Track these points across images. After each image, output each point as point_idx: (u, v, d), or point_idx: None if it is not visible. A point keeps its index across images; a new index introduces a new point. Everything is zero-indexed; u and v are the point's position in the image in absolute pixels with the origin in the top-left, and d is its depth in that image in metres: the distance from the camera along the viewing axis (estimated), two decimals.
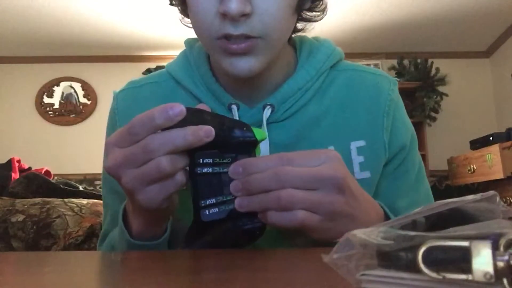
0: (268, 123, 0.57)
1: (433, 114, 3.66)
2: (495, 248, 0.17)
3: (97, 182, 3.65)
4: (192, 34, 0.57)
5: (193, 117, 0.40)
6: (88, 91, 4.04)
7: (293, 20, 0.55)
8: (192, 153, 0.41)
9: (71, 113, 4.01)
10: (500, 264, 0.17)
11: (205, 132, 0.39)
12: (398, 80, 3.37)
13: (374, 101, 0.61)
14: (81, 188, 1.77)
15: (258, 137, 0.44)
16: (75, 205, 1.47)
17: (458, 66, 3.94)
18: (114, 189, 0.61)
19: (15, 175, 1.82)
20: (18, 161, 1.94)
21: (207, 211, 0.42)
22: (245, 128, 0.43)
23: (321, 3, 0.58)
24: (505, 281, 0.17)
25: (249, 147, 0.44)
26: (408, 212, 0.23)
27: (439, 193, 3.52)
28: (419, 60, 3.73)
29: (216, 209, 0.42)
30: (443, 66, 3.75)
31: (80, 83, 4.05)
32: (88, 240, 1.37)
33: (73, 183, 1.82)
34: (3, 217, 1.38)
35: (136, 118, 0.39)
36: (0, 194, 1.62)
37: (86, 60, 4.01)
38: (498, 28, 3.59)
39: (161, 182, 0.40)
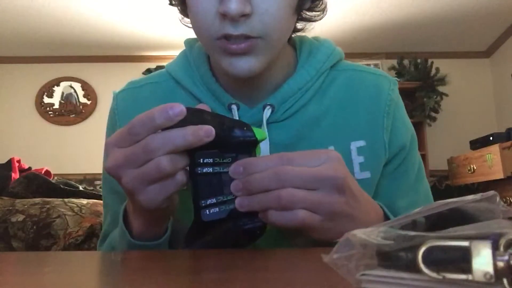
0: (268, 123, 0.57)
1: (433, 114, 3.66)
2: (495, 248, 0.17)
3: (97, 182, 3.65)
4: (192, 34, 0.57)
5: (193, 117, 0.40)
6: (88, 91, 4.04)
7: (293, 20, 0.54)
8: (192, 153, 0.41)
9: (71, 113, 4.01)
10: (500, 264, 0.17)
11: (205, 132, 0.39)
12: (398, 80, 3.37)
13: (374, 101, 0.61)
14: (81, 188, 1.77)
15: (258, 137, 0.44)
16: (75, 205, 1.47)
17: (458, 66, 3.94)
18: (114, 189, 0.61)
19: (15, 175, 1.82)
20: (18, 161, 1.94)
21: (207, 211, 0.42)
22: (245, 128, 0.43)
23: (321, 2, 0.58)
24: (505, 281, 0.17)
25: (249, 147, 0.44)
26: (408, 212, 0.23)
27: (439, 193, 3.52)
28: (419, 60, 3.73)
29: (217, 209, 0.42)
30: (443, 66, 3.75)
31: (80, 83, 4.05)
32: (88, 240, 1.37)
33: (73, 183, 1.82)
34: (3, 217, 1.38)
35: (136, 118, 0.39)
36: (0, 194, 1.62)
37: (86, 60, 4.01)
38: (498, 28, 3.59)
39: (161, 182, 0.39)
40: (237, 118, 0.57)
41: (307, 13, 0.58)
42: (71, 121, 4.00)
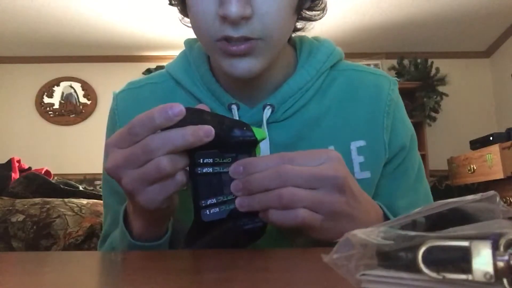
0: (268, 123, 0.57)
1: (433, 114, 3.66)
2: (495, 248, 0.17)
3: (97, 182, 3.65)
4: (192, 34, 0.57)
5: (193, 117, 0.40)
6: (88, 91, 4.04)
7: (293, 20, 0.54)
8: (192, 153, 0.41)
9: (71, 113, 4.01)
10: (500, 264, 0.17)
11: (205, 132, 0.39)
12: (398, 80, 3.37)
13: (374, 101, 0.61)
14: (81, 188, 1.77)
15: (258, 137, 0.44)
16: (75, 205, 1.47)
17: (458, 66, 3.94)
18: (115, 189, 0.61)
19: (15, 175, 1.82)
20: (18, 161, 1.94)
21: (207, 211, 0.42)
22: (245, 128, 0.43)
23: (320, 2, 0.58)
24: (505, 281, 0.17)
25: (249, 146, 0.44)
26: (408, 212, 0.23)
27: (439, 193, 3.53)
28: (419, 60, 3.73)
29: (217, 209, 0.42)
30: (443, 66, 3.75)
31: (80, 83, 4.05)
32: (88, 240, 1.37)
33: (73, 183, 1.82)
34: (3, 217, 1.38)
35: (136, 118, 0.39)
36: (0, 194, 1.62)
37: (86, 60, 4.01)
38: (498, 28, 3.59)
39: (161, 182, 0.39)
40: (237, 118, 0.57)
41: (307, 12, 0.58)
42: (71, 121, 4.00)
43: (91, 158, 3.75)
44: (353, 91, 0.61)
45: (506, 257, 0.17)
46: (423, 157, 3.37)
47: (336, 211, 0.41)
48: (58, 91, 4.04)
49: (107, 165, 0.40)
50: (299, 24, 0.59)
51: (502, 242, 0.17)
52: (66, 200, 1.50)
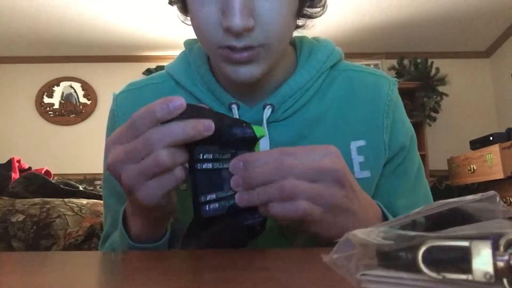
0: (268, 122, 0.57)
1: (433, 114, 3.66)
2: (495, 248, 0.17)
3: (97, 182, 3.65)
4: (192, 34, 0.57)
5: (193, 113, 0.40)
6: (88, 91, 4.04)
7: (294, 23, 0.55)
8: (192, 149, 0.41)
9: (71, 113, 4.01)
10: (500, 264, 0.17)
11: (205, 126, 0.39)
12: (398, 80, 3.37)
13: (374, 101, 0.61)
14: (81, 188, 1.77)
15: (258, 134, 0.44)
16: (75, 205, 1.47)
17: (458, 66, 3.95)
18: (115, 190, 0.61)
19: (15, 175, 1.82)
20: (18, 161, 1.94)
21: (207, 206, 0.41)
22: (244, 125, 0.43)
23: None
24: (505, 281, 0.17)
25: (249, 144, 0.44)
26: (407, 212, 0.23)
27: (439, 193, 3.53)
28: (419, 60, 3.73)
29: (216, 205, 0.42)
30: (443, 66, 3.75)
31: (80, 83, 4.05)
32: (88, 240, 1.37)
33: (73, 183, 1.82)
34: (3, 217, 1.38)
35: (137, 112, 0.39)
36: (0, 194, 1.62)
37: (86, 60, 4.01)
38: (498, 28, 3.59)
39: (160, 177, 0.39)
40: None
41: (308, 10, 0.58)
42: (71, 121, 4.00)
43: (91, 158, 3.75)
44: (353, 91, 0.61)
45: (506, 257, 0.17)
46: (423, 157, 3.37)
47: (336, 204, 0.41)
48: (58, 91, 4.04)
49: (108, 161, 0.40)
50: (300, 22, 0.59)
51: (502, 242, 0.17)
52: (66, 200, 1.50)
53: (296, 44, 0.63)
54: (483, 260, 0.17)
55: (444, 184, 3.68)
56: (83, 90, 4.04)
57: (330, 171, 0.40)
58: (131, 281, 0.30)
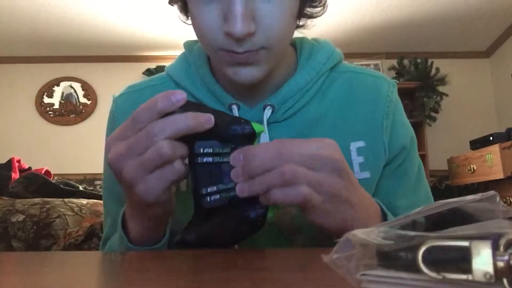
0: (268, 123, 0.57)
1: (433, 114, 3.66)
2: (495, 248, 0.17)
3: (97, 182, 3.65)
4: (192, 34, 0.57)
5: (192, 109, 0.40)
6: (88, 91, 4.04)
7: (295, 24, 0.55)
8: (192, 143, 0.41)
9: (71, 113, 4.01)
10: (500, 264, 0.17)
11: (206, 119, 0.40)
12: (397, 81, 3.37)
13: (374, 102, 0.61)
14: (81, 188, 1.77)
15: (257, 130, 0.44)
16: (75, 205, 1.47)
17: (458, 66, 3.95)
18: (115, 191, 0.61)
19: (15, 175, 1.82)
20: (18, 161, 1.94)
21: (208, 197, 0.41)
22: (243, 121, 0.43)
23: None
24: (505, 281, 0.17)
25: (248, 139, 0.44)
26: (408, 213, 0.23)
27: (439, 193, 3.52)
28: (419, 60, 3.73)
29: (218, 196, 0.42)
30: (443, 66, 3.75)
31: (80, 83, 4.05)
32: (88, 240, 1.37)
33: (73, 183, 1.82)
34: (3, 217, 1.38)
35: (139, 107, 0.40)
36: (0, 194, 1.62)
37: (86, 60, 4.01)
38: (498, 28, 3.59)
39: (160, 169, 0.39)
40: None
41: (308, 9, 0.58)
42: (71, 121, 4.00)
43: (91, 158, 3.75)
44: (352, 92, 0.61)
45: (506, 257, 0.17)
46: (423, 157, 3.37)
47: (335, 194, 0.41)
48: (58, 91, 4.04)
49: (109, 156, 0.40)
50: (300, 22, 0.59)
51: (502, 242, 0.17)
52: (66, 200, 1.50)
53: (296, 45, 0.63)
54: (483, 260, 0.17)
55: (444, 184, 3.68)
56: (83, 90, 4.04)
57: (329, 161, 0.40)
58: (131, 281, 0.30)
